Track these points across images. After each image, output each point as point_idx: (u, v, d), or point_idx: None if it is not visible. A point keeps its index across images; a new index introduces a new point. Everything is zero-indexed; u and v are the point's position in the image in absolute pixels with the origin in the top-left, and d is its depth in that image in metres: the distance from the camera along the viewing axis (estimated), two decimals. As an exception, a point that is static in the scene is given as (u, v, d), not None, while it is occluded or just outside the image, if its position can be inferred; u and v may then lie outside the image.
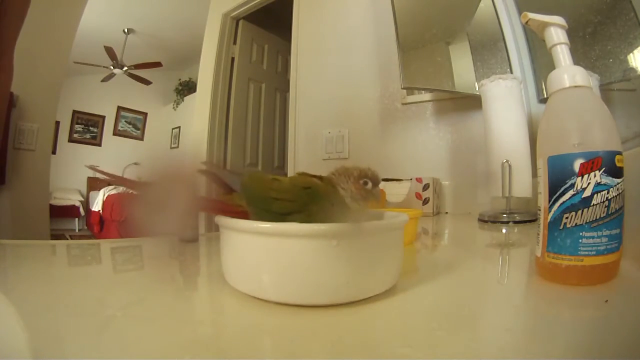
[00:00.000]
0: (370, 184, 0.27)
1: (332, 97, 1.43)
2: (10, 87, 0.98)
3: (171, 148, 4.54)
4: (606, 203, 0.27)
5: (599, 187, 0.27)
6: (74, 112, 4.18)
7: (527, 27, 0.47)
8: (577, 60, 0.31)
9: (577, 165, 0.27)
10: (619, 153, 0.27)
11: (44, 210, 1.43)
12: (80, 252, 0.51)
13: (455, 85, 1.08)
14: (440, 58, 1.10)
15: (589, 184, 0.27)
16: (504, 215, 0.78)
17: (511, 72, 0.99)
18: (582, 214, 0.27)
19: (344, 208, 0.26)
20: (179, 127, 4.49)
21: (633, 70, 0.69)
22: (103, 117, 4.45)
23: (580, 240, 0.27)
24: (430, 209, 0.98)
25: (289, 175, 0.31)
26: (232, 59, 2.12)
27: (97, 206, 3.76)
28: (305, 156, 1.50)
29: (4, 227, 1.11)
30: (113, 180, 0.29)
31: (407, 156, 1.20)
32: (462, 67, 1.06)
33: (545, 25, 0.32)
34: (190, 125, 2.70)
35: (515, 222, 0.75)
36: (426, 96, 1.19)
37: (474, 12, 1.08)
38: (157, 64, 3.73)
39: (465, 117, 1.10)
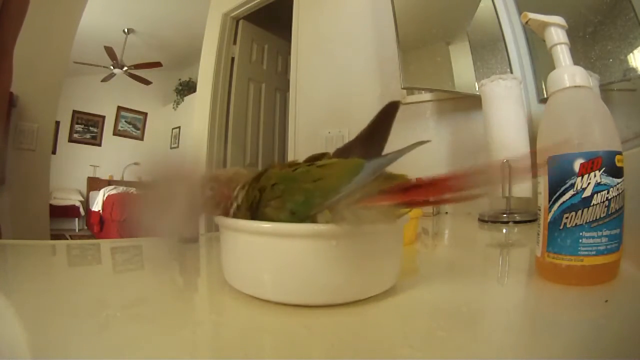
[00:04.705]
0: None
1: (332, 97, 1.43)
2: (10, 88, 0.98)
3: (171, 148, 4.54)
4: (606, 203, 0.27)
5: (599, 187, 0.27)
6: (74, 112, 4.18)
7: (527, 27, 0.47)
8: (577, 60, 0.31)
9: (577, 165, 0.27)
10: (619, 153, 0.27)
11: (44, 210, 1.43)
12: (80, 252, 0.51)
13: (455, 85, 1.08)
14: (440, 58, 1.10)
15: (589, 184, 0.27)
16: (504, 215, 0.77)
17: (511, 72, 0.99)
18: (582, 214, 0.27)
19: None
20: (179, 127, 4.49)
21: (633, 70, 0.69)
22: (103, 117, 4.45)
23: (580, 240, 0.27)
24: (430, 209, 0.97)
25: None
26: (232, 59, 2.12)
27: (97, 206, 3.76)
28: (305, 156, 1.49)
29: (4, 227, 1.11)
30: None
31: (407, 156, 1.19)
32: (462, 67, 1.06)
33: (545, 25, 0.32)
34: (190, 125, 2.70)
35: (515, 222, 0.75)
36: (426, 96, 1.18)
37: (474, 12, 1.08)
38: (157, 64, 3.73)
39: (465, 117, 1.10)
